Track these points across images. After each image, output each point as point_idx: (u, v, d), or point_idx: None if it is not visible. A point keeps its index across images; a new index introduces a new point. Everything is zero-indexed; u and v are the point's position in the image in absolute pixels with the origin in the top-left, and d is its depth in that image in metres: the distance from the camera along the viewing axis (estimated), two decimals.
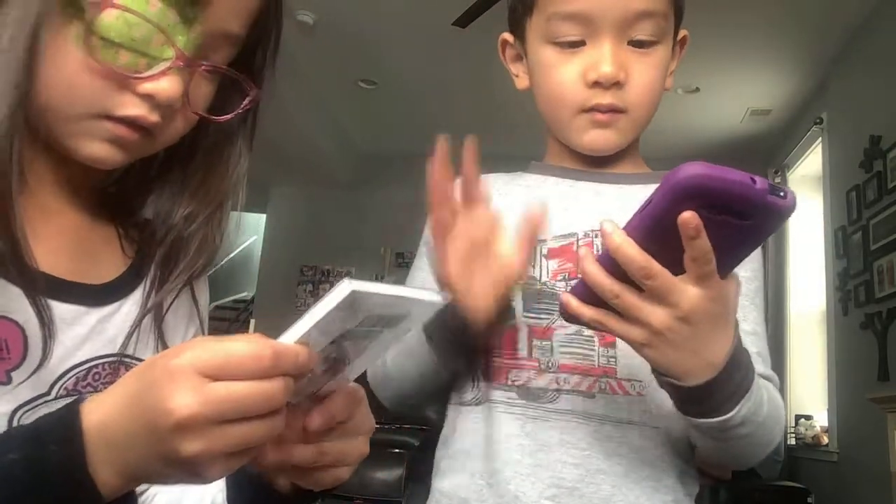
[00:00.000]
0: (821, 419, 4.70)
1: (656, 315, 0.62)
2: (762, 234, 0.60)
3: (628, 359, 0.81)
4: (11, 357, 0.63)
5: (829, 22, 3.98)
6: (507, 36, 0.95)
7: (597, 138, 0.88)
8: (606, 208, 0.89)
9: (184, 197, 0.73)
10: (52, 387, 0.66)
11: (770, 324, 5.05)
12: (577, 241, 0.87)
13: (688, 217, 0.56)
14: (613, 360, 0.83)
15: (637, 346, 0.66)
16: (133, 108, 0.63)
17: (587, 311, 0.65)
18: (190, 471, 0.49)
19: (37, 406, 0.65)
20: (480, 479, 0.84)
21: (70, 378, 0.67)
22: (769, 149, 5.55)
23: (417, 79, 4.87)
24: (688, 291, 0.61)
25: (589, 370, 0.83)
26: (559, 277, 0.86)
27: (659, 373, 0.69)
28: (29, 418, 0.61)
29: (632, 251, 0.59)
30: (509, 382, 0.85)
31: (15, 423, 0.62)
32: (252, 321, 6.19)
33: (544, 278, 0.87)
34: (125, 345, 0.70)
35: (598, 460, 0.81)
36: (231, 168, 0.73)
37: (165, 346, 0.72)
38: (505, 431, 0.84)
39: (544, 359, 0.84)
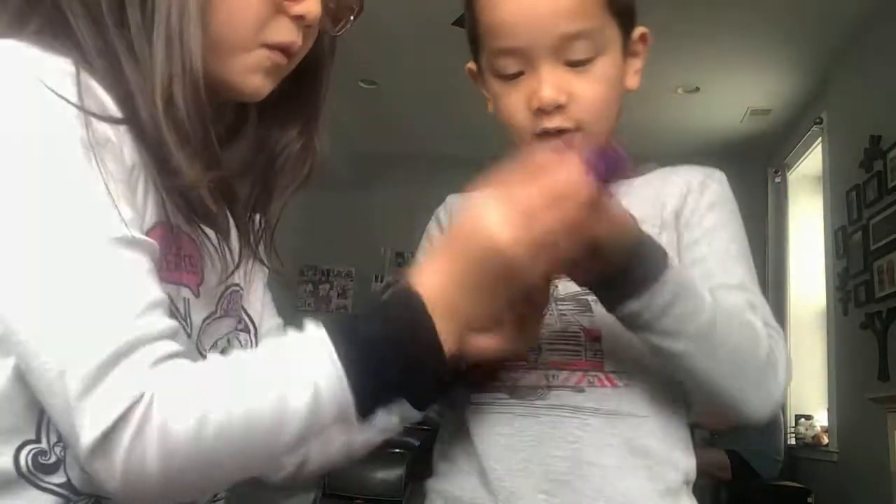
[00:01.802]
0: (821, 419, 4.70)
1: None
2: None
3: (615, 352, 0.84)
4: (197, 272, 0.69)
5: (829, 22, 3.98)
6: (472, 66, 0.98)
7: None
8: None
9: (285, 117, 0.79)
10: (217, 305, 0.73)
11: None
12: None
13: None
14: (600, 353, 0.85)
15: None
16: (287, 33, 0.69)
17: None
18: (520, 280, 0.61)
19: (210, 323, 0.71)
20: (475, 477, 0.85)
21: (225, 299, 0.74)
22: (769, 149, 5.55)
23: (417, 79, 4.87)
24: None
25: (577, 365, 0.85)
26: None
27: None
28: (204, 332, 0.68)
29: None
30: (498, 383, 0.86)
31: (199, 337, 0.69)
32: None
33: None
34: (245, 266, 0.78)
35: (588, 452, 0.82)
36: (325, 83, 0.81)
37: (263, 260, 0.82)
38: (496, 430, 0.85)
39: (532, 357, 0.86)
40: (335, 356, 0.58)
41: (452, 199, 1.02)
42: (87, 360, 0.53)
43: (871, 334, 3.66)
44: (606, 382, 0.84)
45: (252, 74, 0.69)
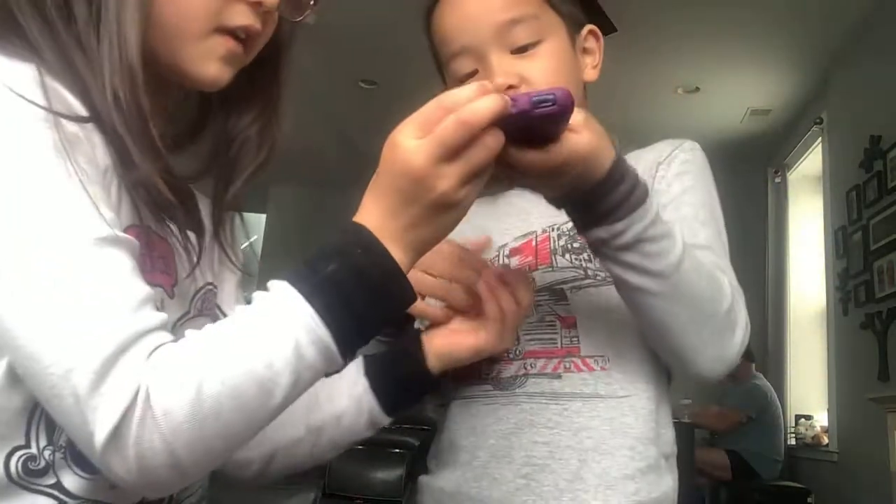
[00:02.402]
0: (821, 419, 4.70)
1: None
2: None
3: (590, 337, 0.86)
4: (170, 273, 0.69)
5: (829, 22, 3.98)
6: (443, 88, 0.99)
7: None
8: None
9: (244, 106, 0.78)
10: (190, 305, 0.73)
11: (770, 324, 5.06)
12: (536, 237, 0.93)
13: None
14: (576, 339, 0.87)
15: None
16: (243, 17, 0.68)
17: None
18: (450, 206, 0.62)
19: (184, 323, 0.71)
20: (459, 468, 0.88)
21: (199, 298, 0.74)
22: (769, 149, 5.55)
23: (417, 79, 4.85)
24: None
25: (553, 352, 0.87)
26: None
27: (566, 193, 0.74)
28: (178, 333, 0.67)
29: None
30: (482, 376, 0.89)
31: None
32: None
33: None
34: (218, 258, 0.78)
35: (565, 437, 0.85)
36: (284, 68, 0.80)
37: (229, 255, 0.81)
38: (481, 421, 0.88)
39: (512, 348, 0.88)
40: (303, 301, 0.58)
41: None
42: (91, 359, 0.53)
43: (871, 334, 3.66)
44: (583, 367, 0.86)
45: (207, 61, 0.69)
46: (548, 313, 0.88)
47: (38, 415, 0.60)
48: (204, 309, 0.76)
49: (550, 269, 0.90)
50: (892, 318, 3.50)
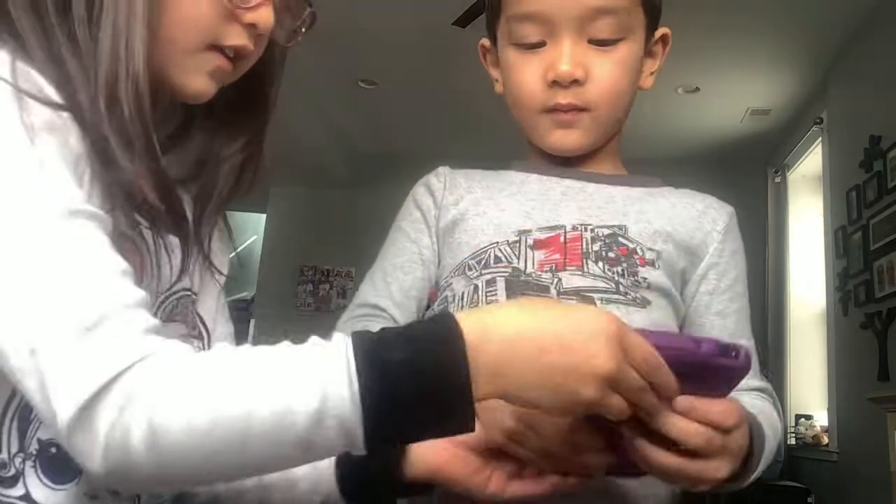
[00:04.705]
0: (821, 419, 4.70)
1: (711, 435, 0.65)
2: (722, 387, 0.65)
3: None
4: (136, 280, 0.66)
5: (829, 22, 3.98)
6: (485, 41, 0.96)
7: (561, 138, 0.89)
8: (591, 204, 0.90)
9: (233, 128, 0.78)
10: (157, 311, 0.71)
11: (770, 324, 5.05)
12: (565, 233, 0.88)
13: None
14: None
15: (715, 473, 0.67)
16: (238, 38, 0.69)
17: (669, 459, 0.66)
18: (579, 396, 0.56)
19: None
20: None
21: (167, 305, 0.72)
22: (769, 149, 5.54)
23: (417, 79, 4.86)
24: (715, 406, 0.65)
25: None
26: (545, 269, 0.86)
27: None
28: None
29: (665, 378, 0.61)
30: None
31: None
32: (252, 321, 6.18)
33: (530, 269, 0.86)
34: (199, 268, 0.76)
35: None
36: (274, 94, 0.80)
37: (212, 261, 0.79)
38: None
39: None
40: (354, 375, 0.52)
41: (445, 170, 1.00)
42: (63, 331, 0.50)
43: (871, 334, 3.66)
44: None
45: (194, 74, 0.69)
46: None
47: (11, 418, 0.59)
48: (175, 315, 0.73)
49: (580, 272, 0.85)
50: (892, 318, 3.49)
